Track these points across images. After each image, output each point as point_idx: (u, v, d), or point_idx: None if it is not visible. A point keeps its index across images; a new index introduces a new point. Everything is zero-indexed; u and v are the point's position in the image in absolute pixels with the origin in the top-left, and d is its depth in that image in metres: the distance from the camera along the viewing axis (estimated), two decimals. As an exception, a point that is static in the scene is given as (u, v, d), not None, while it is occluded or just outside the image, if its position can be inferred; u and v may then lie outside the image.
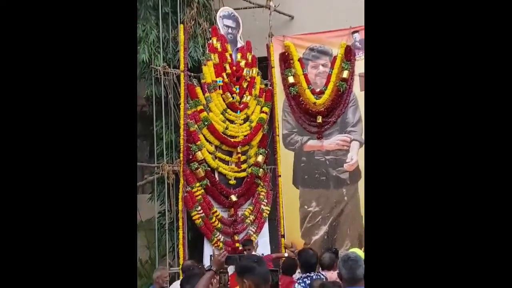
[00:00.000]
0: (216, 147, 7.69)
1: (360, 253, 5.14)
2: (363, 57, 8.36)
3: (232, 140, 7.79)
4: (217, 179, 7.63)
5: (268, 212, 8.09)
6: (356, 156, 8.11)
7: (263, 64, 8.72)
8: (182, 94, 7.36)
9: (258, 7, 8.74)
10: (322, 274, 4.11)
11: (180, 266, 6.67)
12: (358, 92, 8.30)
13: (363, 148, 8.08)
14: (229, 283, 3.47)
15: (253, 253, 6.45)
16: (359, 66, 8.34)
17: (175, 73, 7.40)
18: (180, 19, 7.59)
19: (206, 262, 7.06)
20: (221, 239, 7.42)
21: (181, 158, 7.26)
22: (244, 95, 8.07)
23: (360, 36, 8.45)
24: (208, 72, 7.62)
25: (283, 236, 8.05)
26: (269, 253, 7.70)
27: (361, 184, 8.00)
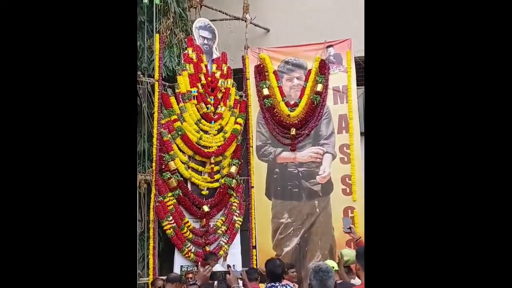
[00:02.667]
0: (189, 157, 7.67)
1: (332, 264, 5.19)
2: (337, 71, 8.50)
3: (205, 150, 7.79)
4: (190, 189, 7.60)
5: (240, 223, 8.08)
6: (329, 169, 8.19)
7: (238, 76, 8.78)
8: (156, 103, 7.34)
9: (234, 19, 8.81)
10: (289, 285, 4.12)
11: (150, 280, 6.61)
12: (331, 106, 8.41)
13: (335, 160, 8.17)
14: None
15: (218, 266, 6.39)
16: (333, 79, 8.49)
17: (149, 82, 7.39)
18: (156, 29, 7.59)
19: (177, 271, 7.02)
20: (192, 250, 7.37)
21: (154, 168, 7.22)
22: (219, 106, 8.09)
23: (334, 51, 8.59)
24: (183, 82, 7.63)
25: (254, 247, 8.04)
26: (240, 264, 7.68)
27: (333, 196, 8.08)
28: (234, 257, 7.77)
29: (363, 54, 8.63)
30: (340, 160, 8.17)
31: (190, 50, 7.83)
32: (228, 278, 4.29)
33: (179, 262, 7.29)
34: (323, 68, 8.49)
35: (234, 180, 8.08)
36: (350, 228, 4.78)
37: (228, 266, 7.09)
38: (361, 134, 8.14)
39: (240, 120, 8.36)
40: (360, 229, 6.80)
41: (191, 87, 7.70)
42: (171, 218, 7.20)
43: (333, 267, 4.76)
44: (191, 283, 4.31)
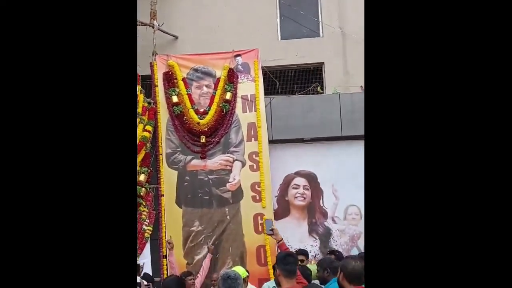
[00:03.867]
0: (97, 165, 7.39)
1: (241, 271, 5.28)
2: (245, 80, 8.67)
3: (114, 158, 7.54)
4: (98, 198, 7.31)
5: (150, 232, 7.92)
6: (239, 176, 8.31)
7: (147, 82, 8.64)
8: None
9: (142, 25, 8.67)
10: None
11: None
12: (240, 114, 8.55)
13: (245, 168, 8.31)
14: None
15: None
16: (241, 88, 8.64)
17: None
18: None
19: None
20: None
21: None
22: (127, 113, 7.88)
23: (242, 60, 8.76)
24: (90, 88, 7.35)
25: (165, 256, 7.91)
26: (151, 274, 7.53)
27: (243, 203, 8.20)
28: (144, 267, 7.58)
29: (269, 64, 8.94)
30: (250, 168, 8.32)
31: (97, 55, 7.57)
32: None
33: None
34: (232, 76, 8.61)
35: (143, 189, 7.91)
36: (272, 229, 4.91)
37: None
38: (270, 142, 8.36)
39: (148, 127, 8.22)
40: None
41: (98, 93, 7.43)
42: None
43: (243, 274, 4.86)
44: None
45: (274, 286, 4.91)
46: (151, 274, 7.46)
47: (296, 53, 9.28)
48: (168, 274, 7.01)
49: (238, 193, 8.25)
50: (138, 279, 6.32)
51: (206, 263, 7.44)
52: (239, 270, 4.85)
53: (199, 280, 7.33)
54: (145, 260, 7.76)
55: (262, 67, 8.68)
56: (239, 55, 8.77)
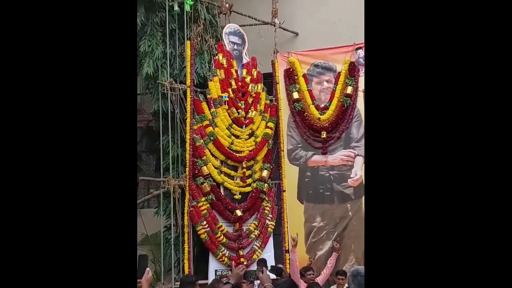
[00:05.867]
0: (221, 162, 7.74)
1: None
2: (367, 73, 8.45)
3: (237, 155, 7.84)
4: (223, 193, 7.66)
5: (273, 227, 8.10)
6: (360, 171, 8.15)
7: (268, 80, 8.81)
8: (188, 109, 7.42)
9: (263, 24, 8.85)
10: None
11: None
12: (362, 108, 8.37)
13: (367, 163, 8.13)
14: None
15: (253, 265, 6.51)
16: (363, 82, 8.44)
17: (181, 88, 7.47)
18: (187, 36, 7.69)
19: (211, 277, 7.09)
20: (226, 254, 7.43)
21: (187, 173, 7.30)
22: (250, 111, 8.14)
23: (363, 53, 8.55)
24: (214, 88, 7.70)
25: (287, 251, 8.02)
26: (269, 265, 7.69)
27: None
28: (267, 261, 7.78)
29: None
30: (372, 163, 8.11)
31: (220, 56, 7.90)
32: (260, 277, 4.35)
33: (213, 266, 7.35)
34: (353, 70, 8.46)
35: (266, 184, 8.11)
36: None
37: (260, 262, 7.17)
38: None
39: (270, 124, 8.40)
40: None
41: (222, 93, 7.76)
42: (205, 222, 7.26)
43: None
44: (224, 281, 4.38)
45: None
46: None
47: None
48: (289, 271, 7.12)
49: (360, 189, 8.09)
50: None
51: (331, 262, 7.46)
52: None
53: (322, 278, 7.35)
54: (268, 253, 7.96)
55: (385, 59, 8.39)
56: (360, 47, 8.56)
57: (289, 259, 7.84)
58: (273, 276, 6.23)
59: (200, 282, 6.03)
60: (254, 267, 7.43)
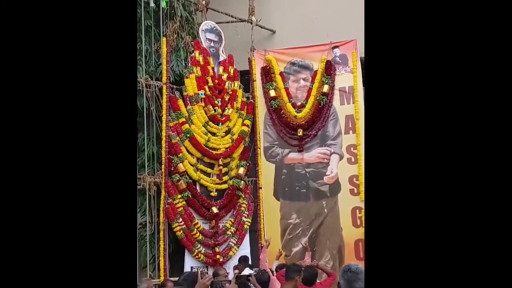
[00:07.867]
0: (197, 159, 7.74)
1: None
2: (343, 71, 8.54)
3: (213, 152, 7.85)
4: (199, 191, 7.67)
5: (249, 224, 8.14)
6: (336, 169, 8.24)
7: (245, 78, 8.83)
8: (164, 106, 7.40)
9: (240, 21, 8.87)
10: None
11: (161, 281, 6.67)
12: (338, 106, 8.45)
13: (343, 161, 8.22)
14: None
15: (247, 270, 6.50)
16: (339, 80, 8.52)
17: (157, 85, 7.45)
18: (163, 32, 7.66)
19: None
20: (202, 251, 7.44)
21: (163, 170, 7.28)
22: (226, 108, 8.15)
23: (340, 51, 8.62)
24: (190, 85, 7.69)
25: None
26: (250, 263, 7.72)
27: (340, 196, 8.13)
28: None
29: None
30: (347, 161, 8.21)
31: (197, 53, 7.89)
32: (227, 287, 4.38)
33: (189, 263, 7.36)
34: (329, 69, 8.53)
35: (242, 182, 8.14)
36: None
37: (242, 259, 7.17)
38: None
39: (247, 121, 8.43)
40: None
41: (198, 90, 7.76)
42: (180, 219, 7.26)
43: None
44: None
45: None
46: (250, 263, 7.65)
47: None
48: (259, 269, 7.13)
49: (335, 186, 8.19)
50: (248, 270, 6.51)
51: (306, 262, 7.45)
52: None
53: None
54: (244, 250, 7.99)
55: (360, 58, 8.47)
56: (337, 46, 8.64)
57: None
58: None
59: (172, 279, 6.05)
60: (231, 264, 7.47)
